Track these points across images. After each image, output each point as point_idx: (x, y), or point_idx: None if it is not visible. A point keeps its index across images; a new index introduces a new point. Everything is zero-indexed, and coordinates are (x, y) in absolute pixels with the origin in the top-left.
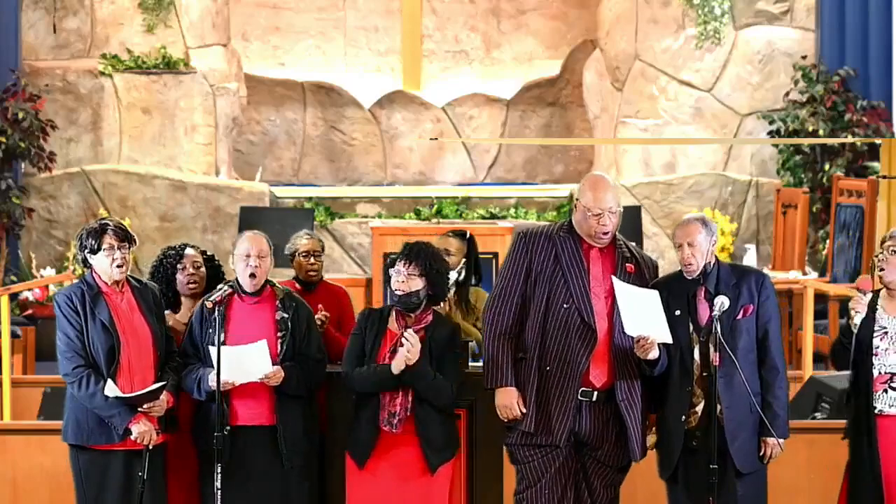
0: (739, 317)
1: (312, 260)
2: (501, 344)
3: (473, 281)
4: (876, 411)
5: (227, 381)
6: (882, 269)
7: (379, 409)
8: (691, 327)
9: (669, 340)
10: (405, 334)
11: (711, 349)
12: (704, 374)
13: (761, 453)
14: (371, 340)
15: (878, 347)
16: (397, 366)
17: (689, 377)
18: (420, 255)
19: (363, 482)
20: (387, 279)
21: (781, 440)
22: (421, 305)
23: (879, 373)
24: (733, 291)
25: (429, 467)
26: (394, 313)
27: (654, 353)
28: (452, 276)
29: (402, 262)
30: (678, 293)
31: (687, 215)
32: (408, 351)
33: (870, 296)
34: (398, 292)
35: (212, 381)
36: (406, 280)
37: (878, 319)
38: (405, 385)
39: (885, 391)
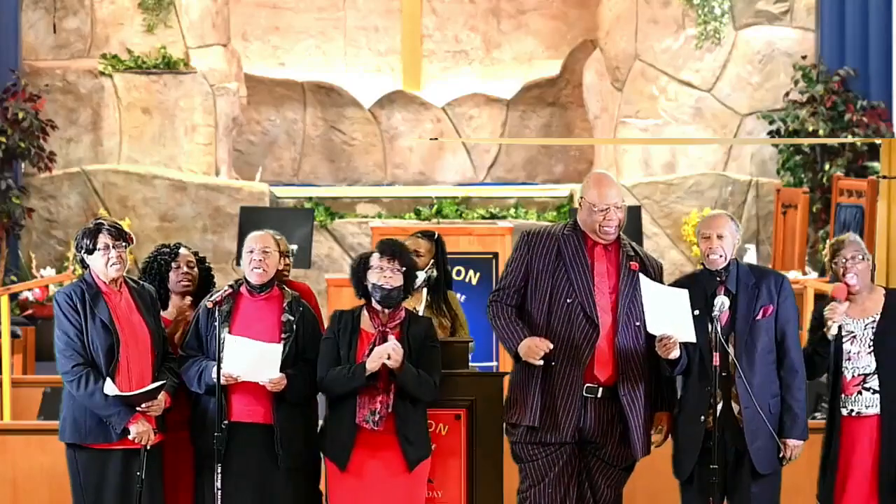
0: (759, 317)
1: (288, 260)
2: (506, 315)
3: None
4: (854, 413)
5: (230, 375)
6: (847, 276)
7: (356, 407)
8: (710, 327)
9: (693, 340)
10: (391, 346)
11: (731, 349)
12: (724, 374)
13: (780, 454)
14: (346, 343)
15: (849, 352)
16: (373, 365)
17: (709, 377)
18: (400, 252)
19: (345, 483)
20: (354, 273)
21: (800, 442)
22: (401, 301)
23: (853, 375)
24: (752, 292)
25: (408, 465)
26: (366, 313)
27: (675, 353)
28: (421, 276)
29: (386, 258)
30: (697, 293)
31: (713, 211)
32: (391, 356)
33: (846, 305)
34: (385, 287)
35: (215, 375)
36: (392, 275)
37: (844, 325)
38: (387, 381)
39: (860, 392)
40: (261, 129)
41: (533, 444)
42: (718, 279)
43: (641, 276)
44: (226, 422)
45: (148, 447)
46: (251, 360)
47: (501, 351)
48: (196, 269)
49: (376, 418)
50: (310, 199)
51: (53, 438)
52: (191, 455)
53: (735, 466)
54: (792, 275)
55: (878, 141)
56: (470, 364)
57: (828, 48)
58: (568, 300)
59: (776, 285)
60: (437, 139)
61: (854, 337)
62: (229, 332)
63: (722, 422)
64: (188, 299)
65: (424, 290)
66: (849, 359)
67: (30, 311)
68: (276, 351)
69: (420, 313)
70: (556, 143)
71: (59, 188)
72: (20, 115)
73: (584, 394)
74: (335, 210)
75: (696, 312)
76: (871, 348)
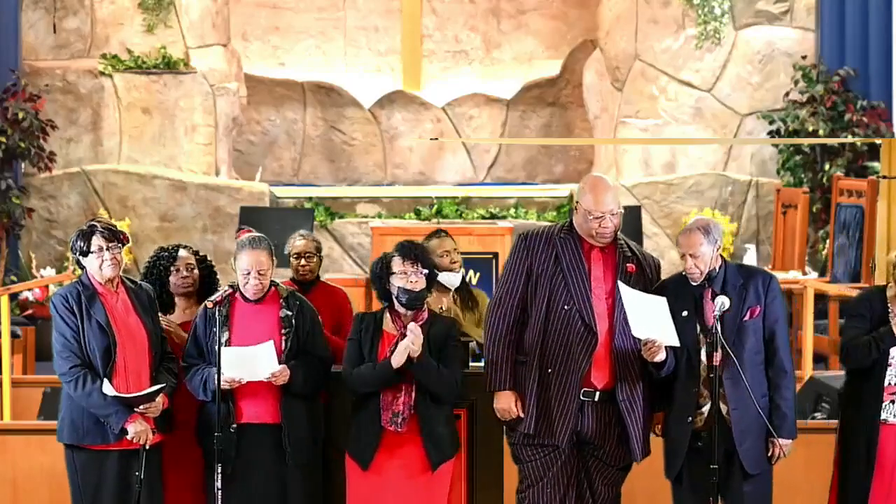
0: (746, 318)
1: (304, 261)
2: (502, 347)
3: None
4: (882, 420)
5: (233, 379)
6: None
7: (380, 409)
8: (698, 328)
9: (677, 344)
10: (409, 327)
11: (713, 347)
12: (711, 374)
13: (769, 454)
14: (368, 343)
15: (892, 357)
16: (398, 360)
17: (696, 378)
18: (422, 254)
19: (366, 482)
20: (376, 278)
21: (789, 441)
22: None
23: (890, 383)
24: (740, 293)
25: (430, 465)
26: (388, 315)
27: (660, 356)
28: (458, 276)
29: (409, 262)
30: (685, 294)
31: (690, 221)
32: (412, 343)
33: None
34: (413, 290)
35: (216, 379)
36: (417, 279)
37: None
38: (408, 383)
39: (893, 402)
40: (261, 129)
41: (530, 445)
42: (706, 283)
43: (620, 284)
44: (234, 425)
45: (146, 447)
46: (248, 363)
47: None
48: (196, 271)
49: (399, 420)
50: (310, 199)
51: (53, 438)
52: (195, 455)
53: (726, 466)
54: (792, 275)
55: (878, 141)
56: (471, 364)
57: (828, 48)
58: (565, 307)
59: (763, 286)
60: (437, 139)
61: None
62: (228, 336)
63: (711, 422)
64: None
65: (453, 288)
66: (890, 365)
67: (30, 311)
68: (269, 349)
69: (445, 310)
70: (556, 143)
71: (59, 188)
72: (20, 115)
73: (582, 397)
74: (335, 210)
75: (685, 313)
76: None
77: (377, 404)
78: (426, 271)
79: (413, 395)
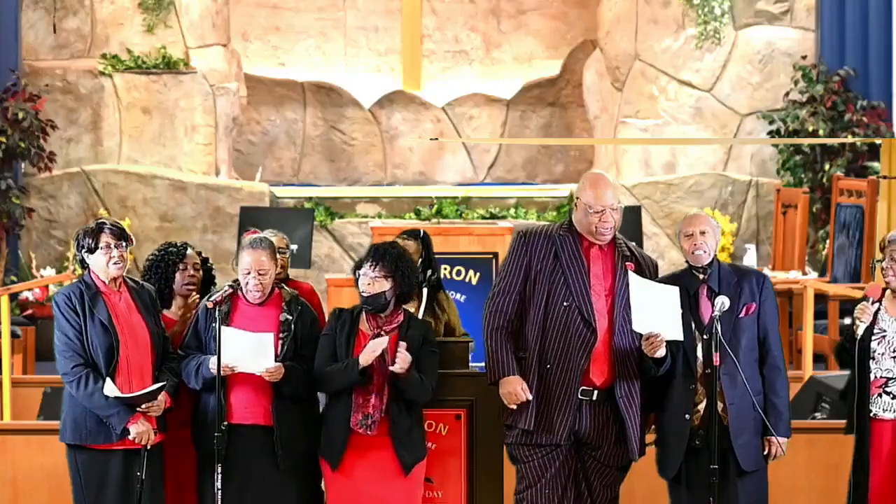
0: (742, 315)
1: (285, 256)
2: (500, 337)
3: (432, 277)
4: (872, 415)
5: (226, 366)
6: (888, 276)
7: (351, 411)
8: (694, 325)
9: (680, 338)
10: (398, 351)
11: (713, 347)
12: (707, 371)
13: (765, 452)
14: (343, 341)
15: (875, 351)
16: (366, 358)
17: (693, 375)
18: (385, 256)
19: (340, 484)
20: (356, 278)
21: (785, 439)
22: (389, 306)
23: (875, 376)
24: (735, 290)
25: (403, 468)
26: (364, 313)
27: (661, 352)
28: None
29: (369, 264)
30: (680, 292)
31: (692, 211)
32: (400, 368)
33: (877, 305)
34: (365, 294)
35: (212, 367)
36: (372, 282)
37: (879, 321)
38: (381, 385)
39: (880, 395)
40: (261, 129)
41: (528, 445)
42: (702, 277)
43: (630, 273)
44: (225, 423)
45: (148, 447)
46: (245, 350)
47: None
48: (201, 271)
49: (369, 422)
50: (310, 199)
51: (53, 438)
52: (194, 454)
53: (721, 465)
54: (792, 275)
55: (878, 141)
56: (470, 364)
57: (828, 48)
58: (565, 303)
59: (758, 284)
60: (437, 139)
61: (883, 337)
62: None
63: (707, 420)
64: (195, 297)
65: (424, 292)
66: (874, 359)
67: (30, 311)
68: (268, 340)
69: (419, 316)
70: (556, 143)
71: (59, 188)
72: (20, 115)
73: (580, 396)
74: (335, 210)
75: (680, 311)
76: (895, 353)
77: (347, 404)
78: (389, 274)
79: (385, 398)
